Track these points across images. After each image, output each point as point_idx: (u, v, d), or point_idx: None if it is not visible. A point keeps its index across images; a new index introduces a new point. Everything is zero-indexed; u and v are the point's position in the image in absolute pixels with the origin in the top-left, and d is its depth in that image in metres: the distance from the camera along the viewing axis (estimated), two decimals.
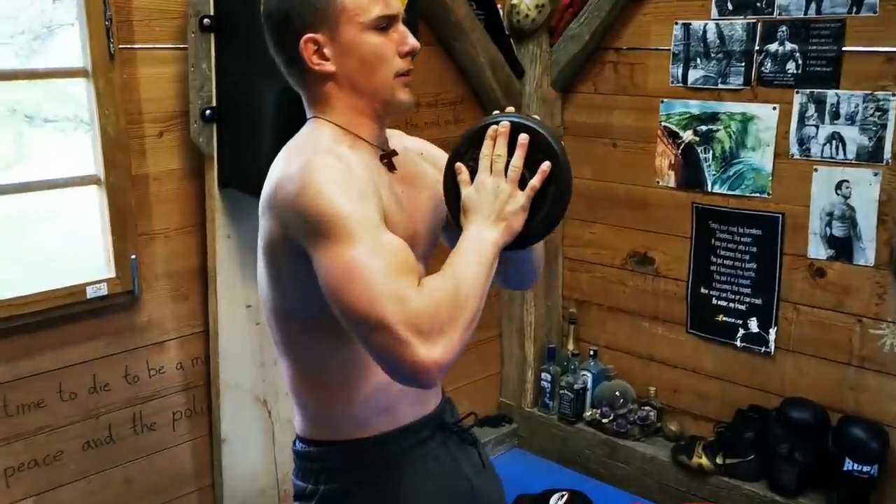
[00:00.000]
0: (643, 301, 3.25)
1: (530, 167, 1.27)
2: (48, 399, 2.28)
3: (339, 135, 1.31)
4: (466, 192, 1.28)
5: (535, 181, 1.25)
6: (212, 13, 2.28)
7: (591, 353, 3.36)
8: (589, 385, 3.33)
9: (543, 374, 3.43)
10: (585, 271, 3.42)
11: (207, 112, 2.32)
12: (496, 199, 1.24)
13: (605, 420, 3.24)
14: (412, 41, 1.32)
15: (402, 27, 1.33)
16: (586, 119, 3.30)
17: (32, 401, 2.26)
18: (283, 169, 1.23)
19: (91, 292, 2.26)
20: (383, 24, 1.29)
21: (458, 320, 1.12)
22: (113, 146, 2.25)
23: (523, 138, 1.26)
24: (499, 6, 3.14)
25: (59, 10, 2.37)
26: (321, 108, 1.33)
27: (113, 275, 2.31)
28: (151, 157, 2.38)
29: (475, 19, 3.02)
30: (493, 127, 1.28)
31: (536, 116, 1.38)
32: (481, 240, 1.23)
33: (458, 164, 1.31)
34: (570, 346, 3.44)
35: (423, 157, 1.49)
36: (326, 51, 1.28)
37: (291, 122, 2.18)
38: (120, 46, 2.24)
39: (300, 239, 1.19)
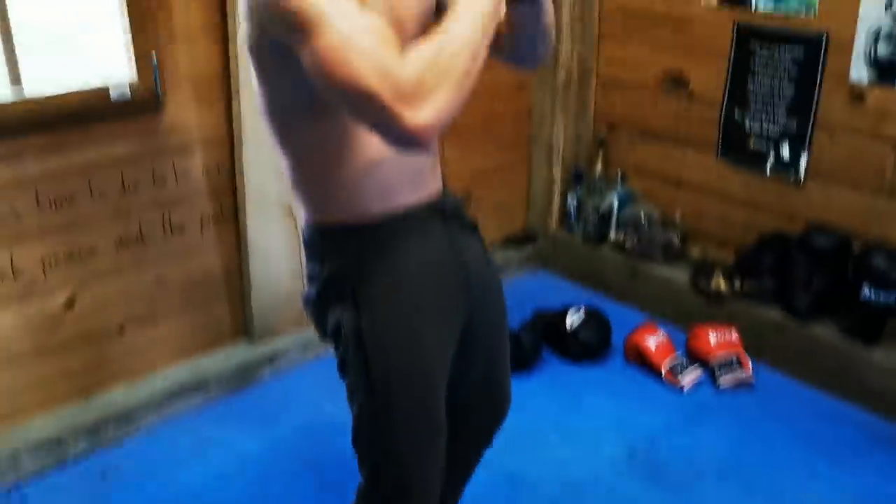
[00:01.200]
0: (675, 124, 3.18)
1: None
2: (79, 196, 2.35)
3: None
4: None
5: None
6: None
7: (619, 175, 3.34)
8: (615, 208, 3.33)
9: (570, 196, 3.43)
10: (618, 91, 3.34)
11: None
12: None
13: (628, 243, 3.26)
14: None
15: None
16: None
17: (64, 196, 2.32)
18: None
19: (115, 94, 2.28)
20: None
21: (445, 80, 1.12)
22: None
23: None
24: None
25: None
26: None
27: (135, 76, 2.31)
28: None
29: None
30: None
31: None
32: None
33: None
34: (599, 169, 3.42)
35: None
36: None
37: None
38: None
39: (279, 36, 1.19)
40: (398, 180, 1.39)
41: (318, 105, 1.25)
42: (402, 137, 1.13)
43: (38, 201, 2.28)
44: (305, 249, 1.48)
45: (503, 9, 1.24)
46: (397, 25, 1.27)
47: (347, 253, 1.39)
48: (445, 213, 1.48)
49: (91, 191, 2.36)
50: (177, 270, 2.61)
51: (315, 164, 1.37)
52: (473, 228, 1.56)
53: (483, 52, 1.19)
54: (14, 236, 2.27)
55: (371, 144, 1.32)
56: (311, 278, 1.46)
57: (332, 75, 1.13)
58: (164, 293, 2.61)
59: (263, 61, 1.29)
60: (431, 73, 1.12)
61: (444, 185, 1.54)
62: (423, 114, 1.11)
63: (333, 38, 1.12)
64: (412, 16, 1.38)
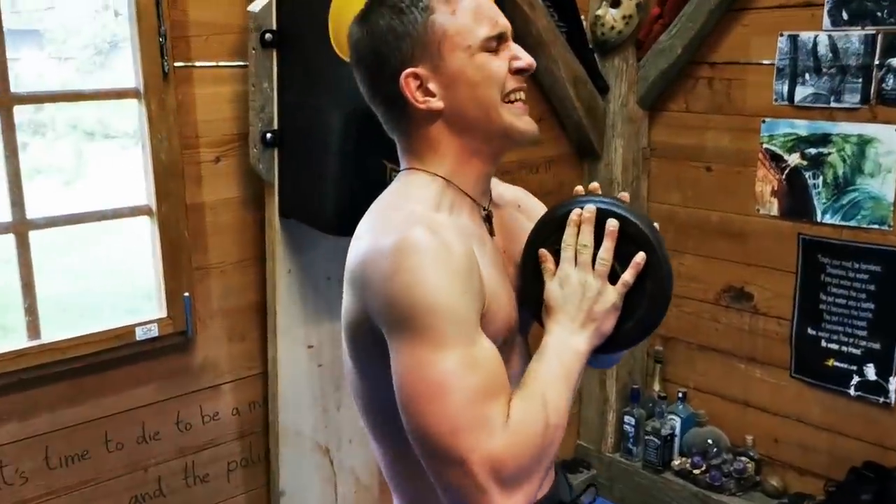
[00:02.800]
0: (739, 340, 2.94)
1: (620, 260, 1.12)
2: (93, 450, 2.09)
3: (438, 192, 1.15)
4: (550, 285, 1.13)
5: (627, 275, 1.11)
6: (274, 27, 2.07)
7: (680, 395, 3.07)
8: (677, 431, 3.04)
9: (626, 417, 3.15)
10: (674, 306, 3.10)
11: (268, 135, 2.11)
12: (583, 296, 1.10)
13: (696, 470, 2.94)
14: (526, 56, 1.16)
15: (513, 44, 1.16)
16: (676, 140, 3.02)
17: (76, 452, 2.07)
18: (374, 240, 1.07)
19: (141, 333, 2.07)
20: (493, 46, 1.13)
21: (544, 461, 1.00)
22: (166, 174, 2.05)
23: (612, 225, 1.11)
24: (582, 17, 2.88)
25: (122, 24, 2.20)
26: (423, 156, 1.17)
27: (164, 314, 2.11)
28: (207, 184, 2.18)
29: (556, 32, 2.76)
30: (577, 210, 1.13)
31: (625, 195, 1.22)
32: (570, 348, 1.09)
33: (543, 251, 1.16)
34: (657, 388, 3.15)
35: (521, 209, 1.32)
36: (431, 85, 1.13)
37: (360, 147, 1.97)
38: (175, 64, 2.04)
39: (382, 326, 1.03)
40: None
41: None
42: None
43: (47, 461, 2.01)
44: None
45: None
46: (511, 292, 1.18)
47: None
48: None
49: (107, 444, 2.11)
50: None
51: (413, 468, 1.16)
52: None
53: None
54: (20, 502, 1.98)
55: None
56: None
57: (422, 407, 0.97)
58: None
59: (359, 346, 1.13)
60: (535, 451, 0.98)
61: (556, 474, 1.32)
62: (514, 500, 0.96)
63: (441, 362, 0.97)
64: (510, 311, 1.21)
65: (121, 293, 2.20)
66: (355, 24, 1.18)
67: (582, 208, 1.14)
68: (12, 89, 1.83)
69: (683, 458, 3.01)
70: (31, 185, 1.95)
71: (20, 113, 1.87)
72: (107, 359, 2.06)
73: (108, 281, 2.23)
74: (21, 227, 1.90)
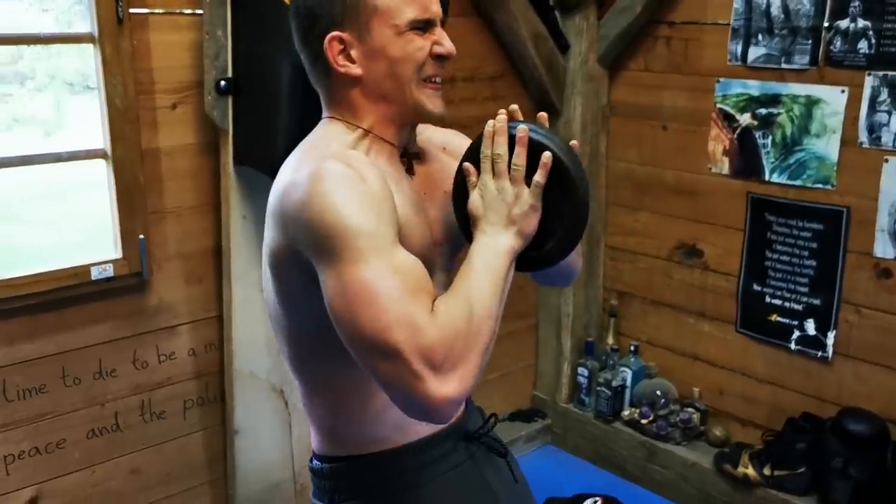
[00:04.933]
0: (690, 295, 3.03)
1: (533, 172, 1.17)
2: (50, 384, 2.17)
3: (354, 136, 1.22)
4: (472, 195, 1.18)
5: (538, 176, 1.15)
6: None
7: (632, 348, 3.16)
8: (628, 382, 3.13)
9: (580, 369, 3.24)
10: (628, 261, 3.21)
11: (222, 83, 2.16)
12: (502, 201, 1.15)
13: (644, 420, 3.04)
14: (448, 44, 1.21)
15: (438, 30, 1.22)
16: (635, 99, 3.07)
17: (34, 386, 2.14)
18: (291, 175, 1.14)
19: (96, 273, 2.14)
20: (419, 26, 1.19)
21: (474, 349, 1.05)
22: (120, 118, 2.10)
23: (521, 131, 1.15)
24: None
25: None
26: (343, 112, 1.24)
27: (119, 255, 2.17)
28: (164, 130, 2.23)
29: None
30: (490, 122, 1.17)
31: (543, 114, 1.26)
32: (493, 249, 1.13)
33: (466, 164, 1.20)
34: (610, 341, 3.24)
35: (447, 150, 1.37)
36: (353, 52, 1.19)
37: (309, 97, 2.02)
38: (130, 11, 2.09)
39: (306, 252, 1.10)
40: None
41: (336, 334, 1.12)
42: (423, 407, 1.03)
43: (4, 393, 2.09)
44: (313, 478, 1.36)
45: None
46: (432, 246, 1.25)
47: (363, 491, 1.28)
48: (469, 437, 1.35)
49: (64, 378, 2.18)
50: (155, 459, 2.39)
51: (330, 394, 1.27)
52: (502, 452, 1.40)
53: (502, 310, 1.13)
54: None
55: None
56: None
57: (353, 314, 1.04)
58: (139, 485, 2.37)
59: (283, 276, 1.19)
60: (462, 339, 1.04)
61: (468, 403, 1.40)
62: (449, 386, 1.02)
63: (363, 271, 1.04)
64: (449, 233, 1.31)
65: (81, 235, 2.26)
66: None
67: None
68: None
69: (633, 409, 3.11)
70: (10, 135, 1.99)
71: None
72: (64, 296, 2.13)
73: (71, 222, 2.28)
74: None
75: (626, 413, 3.12)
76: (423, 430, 1.27)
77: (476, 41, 2.88)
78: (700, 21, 2.84)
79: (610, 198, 3.22)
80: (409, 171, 1.29)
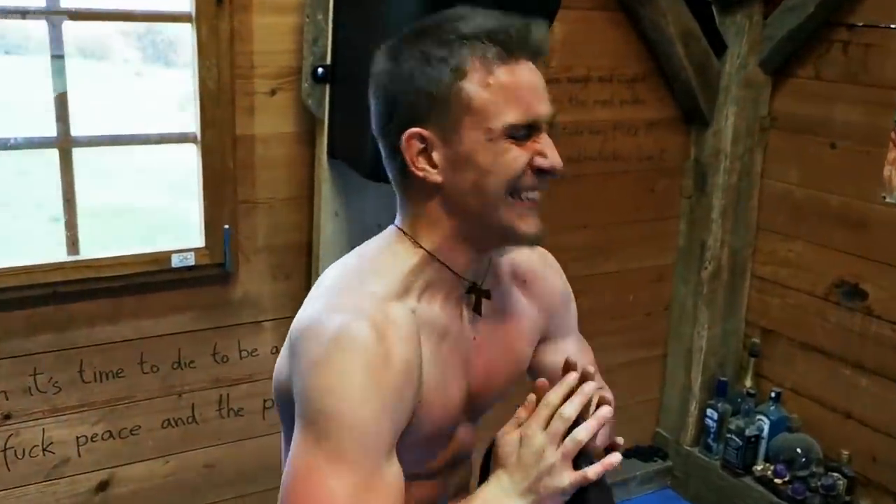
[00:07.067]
0: (847, 342, 2.60)
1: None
2: (128, 369, 2.13)
3: (415, 270, 1.05)
4: (510, 436, 1.03)
5: (591, 471, 1.00)
6: None
7: (773, 395, 2.76)
8: (765, 433, 2.75)
9: (709, 410, 2.88)
10: (777, 296, 2.81)
11: (320, 70, 2.02)
12: (536, 465, 1.00)
13: (778, 480, 2.65)
14: (553, 157, 1.00)
15: (544, 137, 1.00)
16: (800, 110, 2.67)
17: (111, 369, 2.11)
18: (323, 311, 1.00)
19: (177, 261, 2.07)
20: (519, 134, 0.98)
21: None
22: (212, 102, 2.02)
23: (606, 410, 1.02)
24: None
25: None
26: (414, 221, 1.06)
27: (202, 244, 2.09)
28: (261, 116, 2.13)
29: None
30: (574, 375, 1.03)
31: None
32: None
33: (532, 398, 1.06)
34: (748, 383, 2.86)
35: (526, 285, 1.21)
36: (436, 155, 1.00)
37: None
38: None
39: (297, 406, 0.98)
40: None
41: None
42: None
43: (81, 374, 2.07)
44: None
45: None
46: (466, 401, 1.12)
47: None
48: None
49: (142, 364, 2.14)
50: (230, 456, 2.31)
51: None
52: None
53: None
54: (51, 410, 2.05)
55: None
56: None
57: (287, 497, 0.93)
58: (212, 480, 2.30)
59: (283, 401, 1.09)
60: None
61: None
62: None
63: (329, 477, 0.91)
64: (492, 384, 1.16)
65: (167, 221, 2.22)
66: (382, 53, 1.06)
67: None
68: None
69: (767, 465, 2.72)
70: (87, 107, 1.96)
71: (75, 39, 1.88)
72: (145, 282, 2.08)
73: (161, 205, 2.26)
74: (65, 144, 1.93)
75: (758, 468, 2.74)
76: None
77: (615, 37, 2.59)
78: (885, 24, 2.41)
79: (762, 222, 2.83)
80: (476, 310, 1.11)
